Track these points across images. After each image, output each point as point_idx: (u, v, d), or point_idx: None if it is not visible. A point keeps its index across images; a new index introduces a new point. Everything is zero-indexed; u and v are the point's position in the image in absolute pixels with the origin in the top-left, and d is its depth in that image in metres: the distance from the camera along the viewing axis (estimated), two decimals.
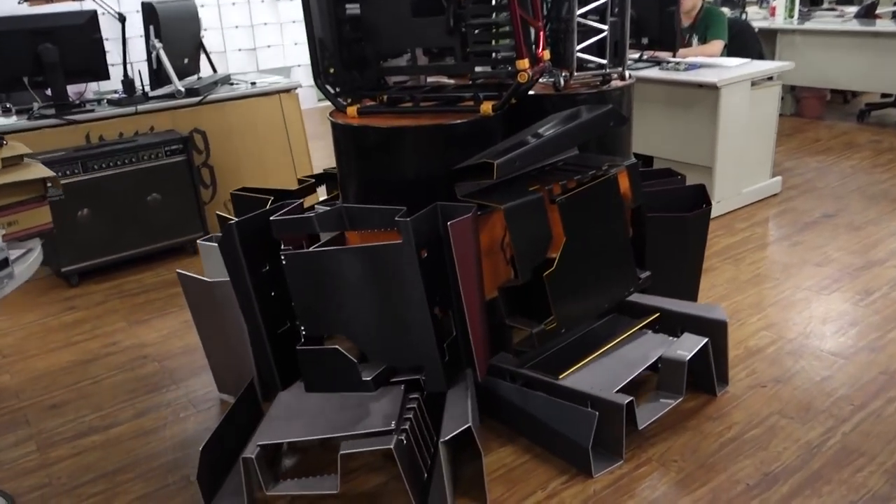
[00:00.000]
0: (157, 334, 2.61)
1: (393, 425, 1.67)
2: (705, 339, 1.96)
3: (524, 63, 1.87)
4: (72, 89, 3.54)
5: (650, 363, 1.93)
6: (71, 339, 2.63)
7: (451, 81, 2.39)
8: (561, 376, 1.88)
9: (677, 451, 1.82)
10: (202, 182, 3.57)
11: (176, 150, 3.25)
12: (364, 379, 1.84)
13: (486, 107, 1.90)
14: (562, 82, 2.19)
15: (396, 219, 1.66)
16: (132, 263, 3.24)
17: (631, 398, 1.76)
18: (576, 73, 2.19)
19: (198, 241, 2.06)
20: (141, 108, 3.37)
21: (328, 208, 1.79)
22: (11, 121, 3.15)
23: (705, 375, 2.02)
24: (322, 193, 2.70)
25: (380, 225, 1.81)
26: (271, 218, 1.79)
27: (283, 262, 1.80)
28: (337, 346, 1.84)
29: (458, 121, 1.89)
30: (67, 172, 3.02)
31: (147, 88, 3.51)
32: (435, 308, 1.77)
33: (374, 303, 1.77)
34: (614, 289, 2.04)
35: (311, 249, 1.78)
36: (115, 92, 3.55)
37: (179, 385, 2.27)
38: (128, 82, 3.42)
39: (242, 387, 1.99)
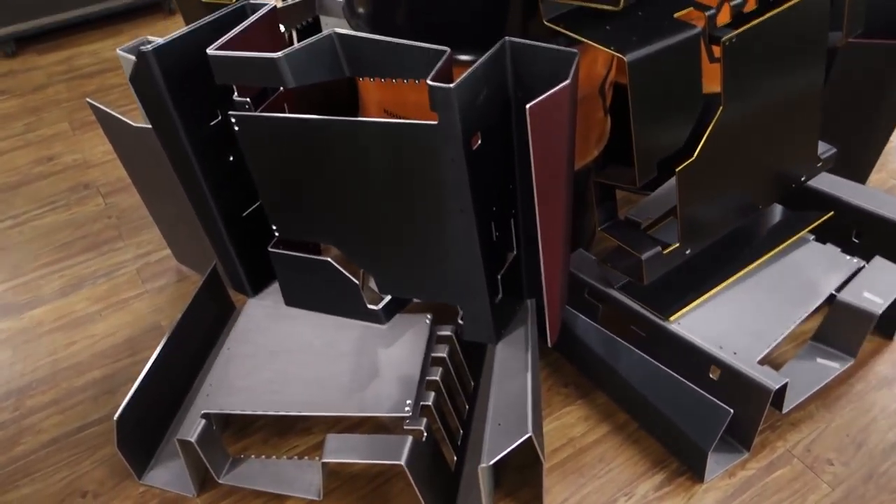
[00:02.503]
0: (106, 148, 1.93)
1: (409, 407, 1.07)
2: None
3: None
4: None
5: (818, 304, 1.24)
6: None
7: None
8: (672, 317, 1.21)
9: (832, 442, 1.21)
10: None
11: None
12: (371, 308, 1.20)
13: None
14: None
15: (430, 83, 0.88)
16: (87, 27, 2.45)
17: (785, 380, 1.11)
18: None
19: (117, 50, 1.29)
20: None
21: (311, 40, 1.00)
22: None
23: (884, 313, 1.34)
24: None
25: (402, 73, 1.02)
26: (209, 52, 1.01)
27: (235, 128, 1.06)
28: (329, 260, 1.17)
29: None
30: None
31: None
32: (490, 224, 1.06)
33: (385, 210, 1.06)
34: (780, 178, 1.28)
35: (276, 115, 1.02)
36: None
37: (127, 241, 1.65)
38: None
39: (203, 265, 1.38)
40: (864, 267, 1.27)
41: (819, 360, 1.26)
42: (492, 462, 0.97)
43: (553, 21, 1.04)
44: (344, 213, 1.09)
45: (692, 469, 1.17)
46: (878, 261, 1.27)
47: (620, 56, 0.95)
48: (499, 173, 1.04)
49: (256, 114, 1.03)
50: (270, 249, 1.21)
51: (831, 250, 1.32)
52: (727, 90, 1.06)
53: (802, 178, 1.29)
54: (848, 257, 1.30)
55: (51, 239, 1.67)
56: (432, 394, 1.10)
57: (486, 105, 0.96)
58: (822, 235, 1.35)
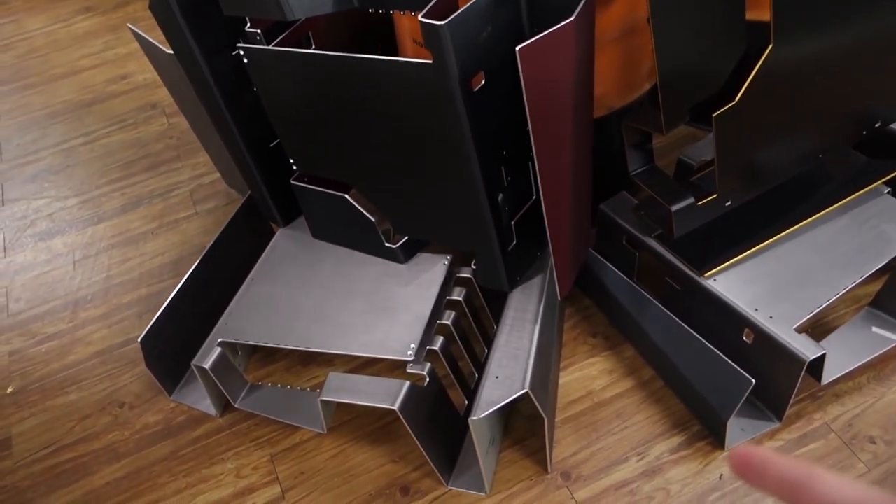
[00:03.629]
0: None
1: (412, 351, 1.05)
2: None
3: None
4: None
5: (878, 267, 1.11)
6: (76, 64, 2.05)
7: None
8: (708, 273, 1.12)
9: (879, 419, 1.11)
10: None
11: None
12: (389, 246, 1.18)
13: None
14: None
15: (421, 19, 0.82)
16: None
17: (823, 351, 1.01)
18: None
19: None
20: None
21: None
22: None
23: None
24: None
25: (410, 4, 0.96)
26: None
27: (244, 60, 1.04)
28: (346, 196, 1.16)
29: None
30: None
31: None
32: (500, 168, 1.00)
33: (392, 149, 1.02)
34: (846, 125, 1.13)
35: (279, 48, 0.99)
36: None
37: (184, 162, 1.70)
38: None
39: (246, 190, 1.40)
40: None
41: (874, 328, 1.14)
42: (482, 416, 0.95)
43: None
44: (353, 150, 1.06)
45: (714, 435, 1.11)
46: None
47: None
48: (510, 115, 0.97)
49: (261, 47, 1.00)
50: (293, 182, 1.20)
51: None
52: (777, 26, 0.93)
53: (877, 124, 1.13)
54: None
55: (117, 157, 1.75)
56: (440, 338, 1.09)
57: (491, 42, 0.88)
58: None
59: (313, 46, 1.18)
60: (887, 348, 1.11)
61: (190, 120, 1.49)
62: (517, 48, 0.77)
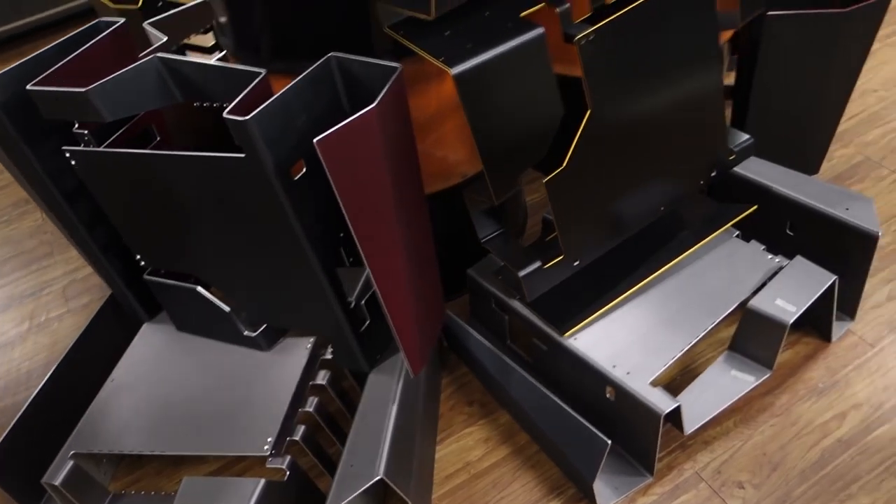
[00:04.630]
0: None
1: (268, 445, 1.02)
2: (832, 279, 1.12)
3: None
4: None
5: (729, 311, 1.14)
6: None
7: None
8: (568, 332, 1.13)
9: (746, 462, 1.12)
10: None
11: None
12: (248, 335, 1.15)
13: None
14: None
15: (225, 115, 0.81)
16: (41, 33, 2.44)
17: (676, 404, 1.02)
18: None
19: None
20: None
21: (131, 67, 0.94)
22: None
23: (819, 313, 1.22)
24: None
25: (232, 97, 0.95)
26: (28, 87, 0.96)
27: (71, 161, 1.01)
28: (196, 287, 1.13)
29: None
30: None
31: None
32: (339, 249, 1.00)
33: (229, 240, 1.00)
34: (680, 178, 1.16)
35: (103, 150, 0.97)
36: None
37: (57, 258, 1.65)
38: None
39: None
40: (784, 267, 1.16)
41: (733, 372, 1.16)
42: None
43: (392, 28, 0.95)
44: (194, 243, 1.04)
45: (588, 497, 1.10)
46: (799, 261, 1.15)
47: (447, 69, 0.86)
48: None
49: (83, 149, 0.98)
50: (146, 277, 1.17)
51: (753, 248, 1.20)
52: (592, 92, 0.96)
53: (712, 174, 1.17)
54: (769, 256, 1.18)
55: None
56: (302, 427, 1.06)
57: (309, 129, 0.88)
58: (755, 229, 1.24)
59: (157, 140, 1.17)
60: (747, 391, 1.13)
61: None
62: (314, 140, 0.77)
